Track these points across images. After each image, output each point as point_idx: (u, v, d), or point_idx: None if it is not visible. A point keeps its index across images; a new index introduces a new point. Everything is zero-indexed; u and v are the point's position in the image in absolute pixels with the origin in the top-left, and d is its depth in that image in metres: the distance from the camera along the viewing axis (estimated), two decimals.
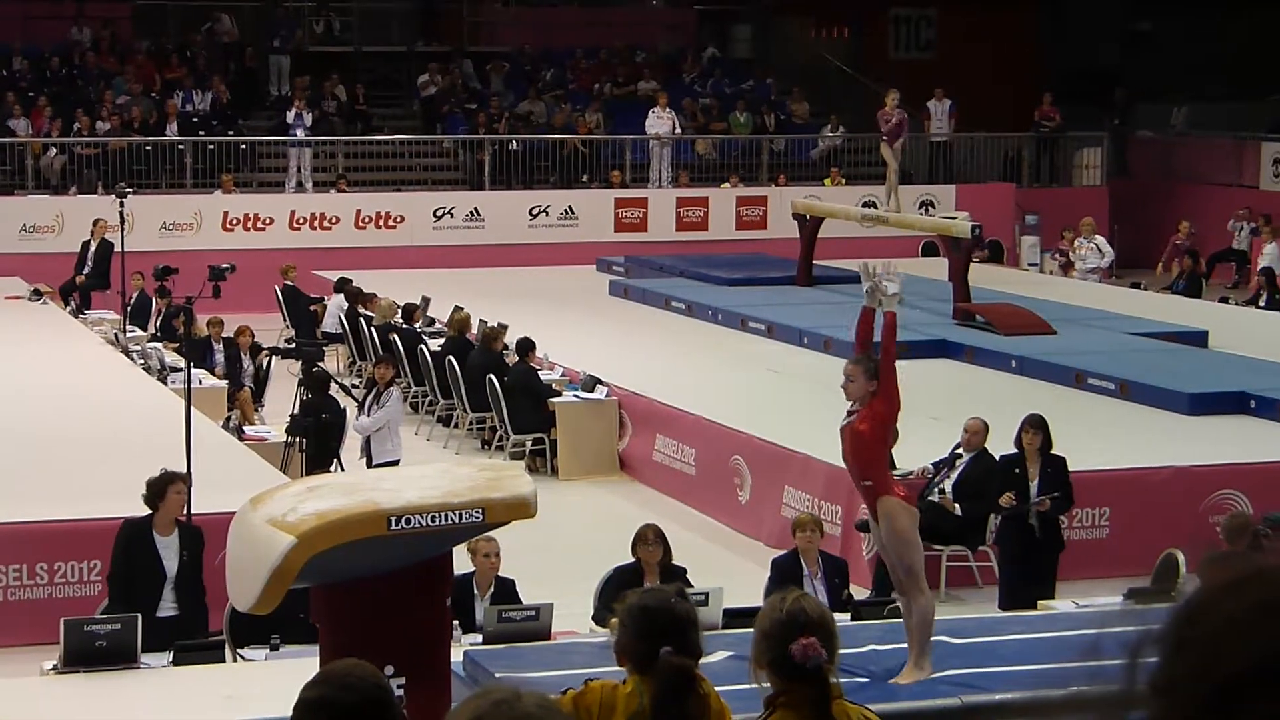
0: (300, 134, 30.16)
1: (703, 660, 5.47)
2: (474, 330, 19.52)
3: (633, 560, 11.06)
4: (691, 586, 9.90)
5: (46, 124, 29.48)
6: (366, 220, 28.90)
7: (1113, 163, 33.80)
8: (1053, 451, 12.67)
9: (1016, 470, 12.58)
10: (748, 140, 32.28)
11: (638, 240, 29.25)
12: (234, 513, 7.34)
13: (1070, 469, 12.70)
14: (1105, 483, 14.21)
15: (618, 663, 5.50)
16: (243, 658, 10.18)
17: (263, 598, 6.77)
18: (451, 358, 18.82)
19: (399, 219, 29.03)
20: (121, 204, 21.70)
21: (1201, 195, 31.88)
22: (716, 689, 5.49)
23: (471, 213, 29.43)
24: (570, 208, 29.77)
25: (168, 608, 10.84)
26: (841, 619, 9.11)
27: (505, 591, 10.89)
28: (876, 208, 26.67)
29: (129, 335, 20.95)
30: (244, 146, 29.99)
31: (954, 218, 23.85)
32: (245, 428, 16.51)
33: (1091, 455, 14.16)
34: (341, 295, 22.89)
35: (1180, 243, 28.93)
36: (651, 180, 31.16)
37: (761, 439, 15.63)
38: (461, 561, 9.72)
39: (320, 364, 17.87)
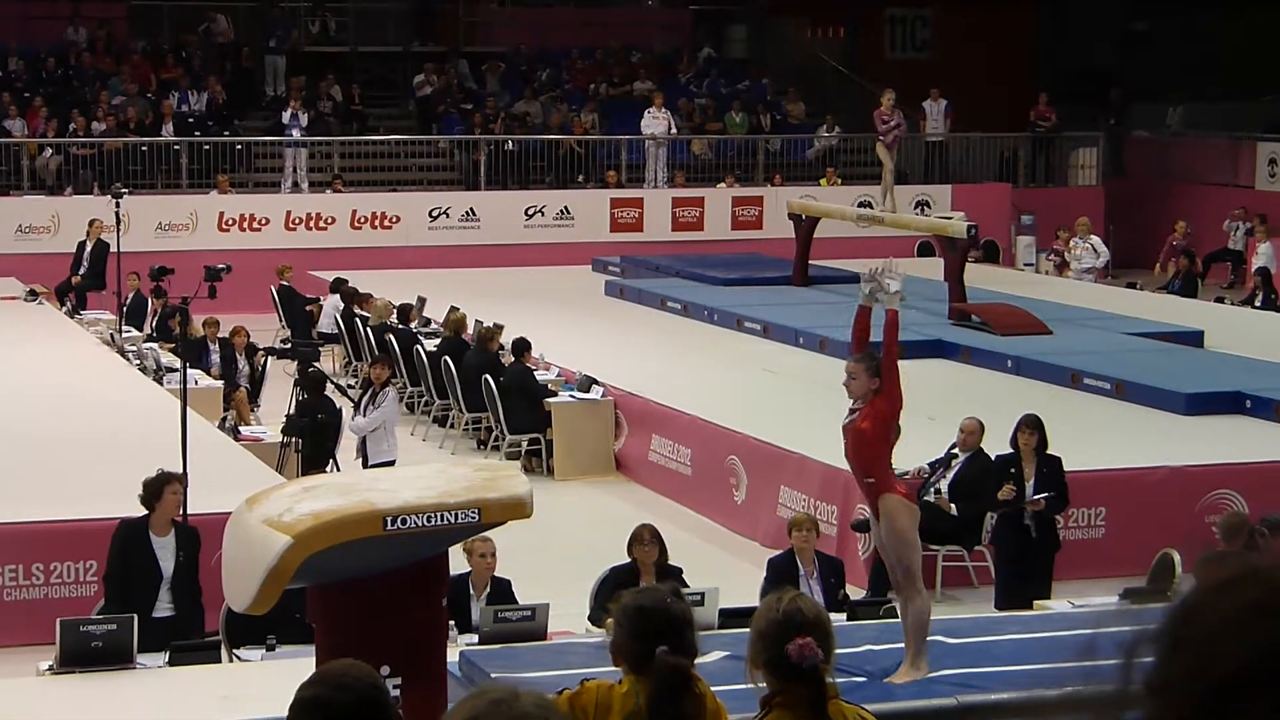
0: (296, 134, 30.16)
1: (699, 660, 5.47)
2: (470, 330, 19.51)
3: (629, 560, 11.06)
4: (687, 586, 9.91)
5: (42, 124, 29.47)
6: (362, 220, 28.89)
7: (1108, 163, 33.82)
8: (1048, 451, 12.69)
9: (1012, 470, 12.59)
10: (743, 140, 32.28)
11: (633, 240, 29.26)
12: (230, 513, 7.34)
13: (1066, 469, 12.71)
14: (1101, 482, 14.21)
15: (613, 662, 5.50)
16: (239, 658, 10.17)
17: (259, 598, 6.77)
18: (447, 358, 18.82)
19: (395, 219, 29.02)
20: (117, 204, 21.69)
21: (1197, 195, 31.89)
22: (713, 689, 5.50)
23: (467, 213, 29.42)
24: (566, 208, 29.77)
25: (164, 608, 10.83)
26: (837, 619, 9.10)
27: (501, 592, 10.89)
28: (872, 208, 26.66)
29: (125, 335, 20.95)
30: (240, 147, 29.99)
31: (950, 218, 23.86)
32: (241, 428, 16.51)
33: (1087, 455, 14.17)
34: (337, 295, 22.89)
35: (1177, 243, 28.94)
36: (647, 180, 31.16)
37: (757, 439, 15.63)
38: (457, 561, 9.73)
39: (316, 364, 17.87)
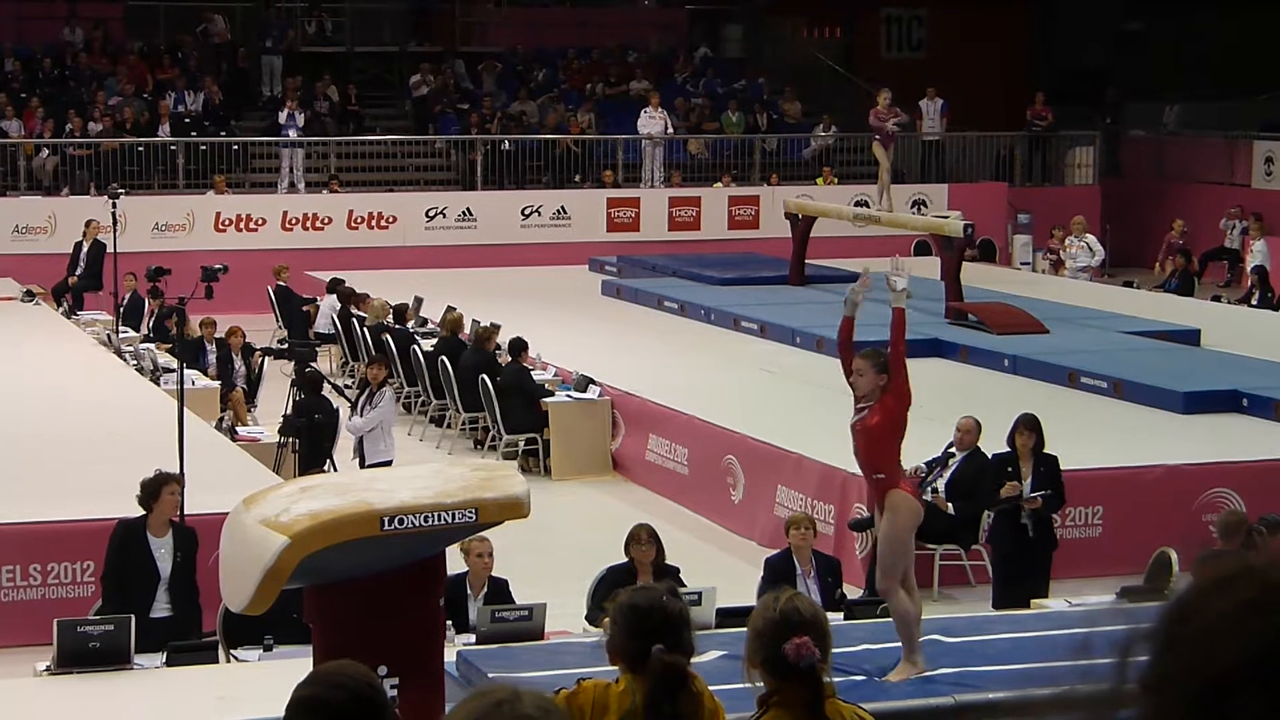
0: (292, 134, 30.16)
1: (696, 659, 5.46)
2: (466, 330, 19.51)
3: (626, 560, 11.07)
4: (685, 586, 9.91)
5: (39, 125, 29.47)
6: (359, 220, 28.88)
7: (1105, 162, 33.83)
8: (1045, 450, 12.69)
9: (1010, 469, 12.59)
10: (740, 140, 32.28)
11: (630, 240, 29.25)
12: (227, 513, 7.34)
13: (1063, 468, 12.71)
14: (1098, 481, 14.21)
15: (610, 661, 5.49)
16: (236, 658, 10.17)
17: (256, 598, 6.77)
18: (444, 358, 18.81)
19: (391, 219, 29.02)
20: (114, 205, 21.67)
21: (1193, 194, 31.91)
22: (710, 688, 5.49)
23: (464, 213, 29.42)
24: (563, 208, 29.77)
25: (161, 608, 10.83)
26: (834, 618, 9.10)
27: (498, 591, 10.89)
28: (869, 207, 26.67)
29: (122, 336, 20.94)
30: (236, 147, 29.97)
31: (946, 217, 23.86)
32: (238, 428, 16.52)
33: (1085, 454, 14.16)
34: (334, 295, 22.88)
35: (1175, 241, 28.95)
36: (644, 180, 31.15)
37: (754, 439, 15.62)
38: (455, 561, 9.72)
39: (313, 364, 17.85)
